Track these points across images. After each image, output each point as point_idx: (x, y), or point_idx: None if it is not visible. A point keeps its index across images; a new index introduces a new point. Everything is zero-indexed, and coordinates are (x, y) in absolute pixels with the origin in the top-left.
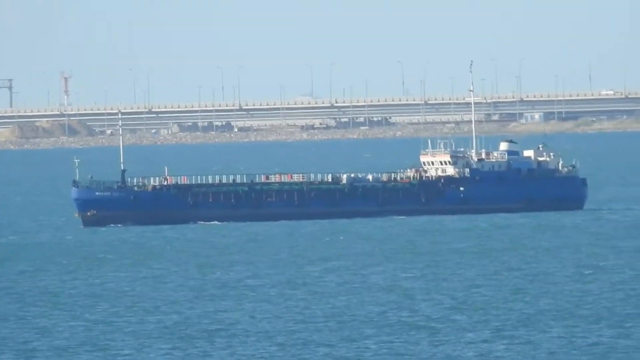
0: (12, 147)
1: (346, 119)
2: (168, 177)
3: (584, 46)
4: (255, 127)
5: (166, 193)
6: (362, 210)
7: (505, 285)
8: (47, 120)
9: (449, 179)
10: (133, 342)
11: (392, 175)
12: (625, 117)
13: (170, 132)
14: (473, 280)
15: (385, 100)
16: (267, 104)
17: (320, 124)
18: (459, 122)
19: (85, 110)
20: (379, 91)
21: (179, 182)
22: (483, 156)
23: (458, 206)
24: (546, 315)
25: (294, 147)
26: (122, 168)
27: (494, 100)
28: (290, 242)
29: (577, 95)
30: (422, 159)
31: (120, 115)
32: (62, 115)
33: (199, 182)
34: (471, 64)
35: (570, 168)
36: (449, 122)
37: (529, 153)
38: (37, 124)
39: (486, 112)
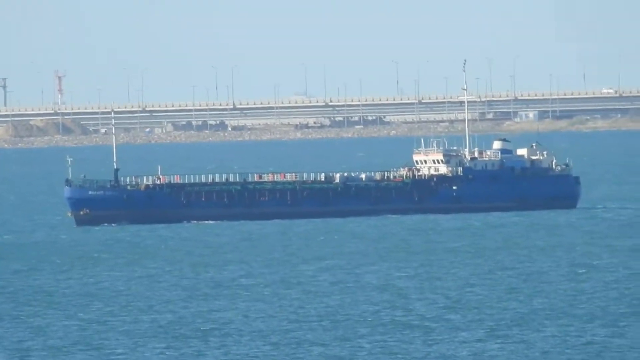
0: (6, 145)
1: (340, 118)
2: (161, 176)
3: (578, 45)
4: (249, 126)
5: (159, 192)
6: (355, 209)
7: (499, 285)
8: (41, 119)
9: (441, 177)
10: (127, 342)
11: (385, 174)
12: (619, 115)
13: (164, 131)
14: (467, 279)
15: (380, 100)
16: (261, 103)
17: (315, 123)
18: (453, 121)
19: (79, 109)
20: (373, 90)
21: (172, 181)
22: (476, 155)
23: (451, 205)
24: (540, 314)
25: (288, 146)
26: (115, 167)
27: (488, 99)
28: (284, 241)
29: (572, 94)
30: (415, 157)
31: (113, 114)
32: (56, 114)
33: (191, 181)
34: (464, 63)
35: (564, 166)
36: (443, 121)
37: (522, 152)
38: (31, 122)
39: (480, 110)
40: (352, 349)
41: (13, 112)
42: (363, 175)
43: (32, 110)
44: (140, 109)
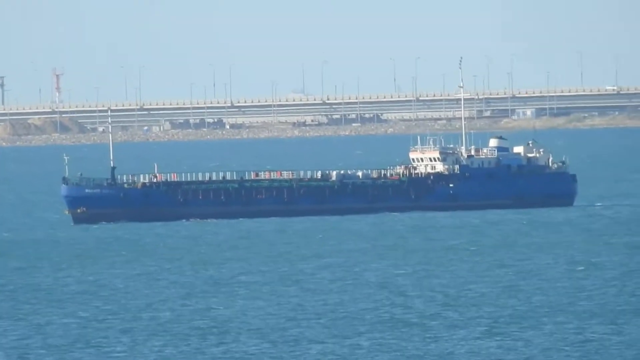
0: (4, 144)
1: (338, 116)
2: (158, 175)
3: (575, 42)
4: (247, 124)
5: (156, 190)
6: (351, 207)
7: (498, 282)
8: (39, 118)
9: (438, 175)
10: (126, 340)
11: (382, 172)
12: (617, 113)
13: (162, 129)
14: (465, 276)
15: (377, 97)
16: (259, 101)
17: (312, 120)
18: (451, 119)
19: (77, 107)
20: (370, 88)
21: (168, 179)
22: (472, 153)
23: (447, 203)
24: (539, 311)
25: (286, 144)
26: (112, 165)
27: (485, 97)
28: (282, 239)
29: (569, 92)
30: (412, 155)
31: (109, 113)
32: (53, 112)
33: (188, 179)
34: (460, 61)
35: (560, 164)
36: (440, 119)
37: (518, 149)
38: (29, 121)
39: (478, 108)
40: (351, 347)
41: (11, 111)
42: (360, 173)
43: (30, 108)
44: (138, 107)
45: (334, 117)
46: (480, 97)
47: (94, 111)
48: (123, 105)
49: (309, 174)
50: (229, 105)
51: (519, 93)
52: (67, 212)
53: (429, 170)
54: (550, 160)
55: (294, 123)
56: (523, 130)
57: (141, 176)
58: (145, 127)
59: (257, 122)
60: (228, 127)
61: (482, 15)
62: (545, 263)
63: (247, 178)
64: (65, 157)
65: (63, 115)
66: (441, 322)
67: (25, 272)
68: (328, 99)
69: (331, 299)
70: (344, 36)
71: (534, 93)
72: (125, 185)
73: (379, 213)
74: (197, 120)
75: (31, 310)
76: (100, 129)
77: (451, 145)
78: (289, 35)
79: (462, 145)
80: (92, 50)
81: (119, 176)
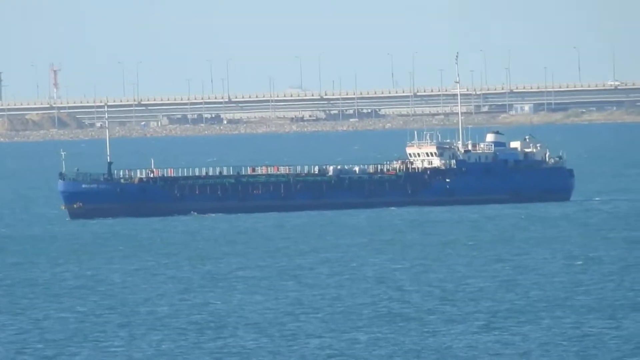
0: (1, 139)
1: (336, 111)
2: (154, 170)
3: (573, 37)
4: (244, 120)
5: (153, 185)
6: (348, 202)
7: (496, 277)
8: (36, 113)
9: (435, 170)
10: (124, 334)
11: (379, 167)
12: (615, 108)
13: (159, 124)
14: (463, 271)
15: (375, 93)
16: (257, 96)
17: (310, 116)
18: (449, 114)
19: (74, 103)
20: (368, 83)
21: (165, 175)
22: (469, 148)
23: (444, 198)
24: (536, 306)
25: (284, 140)
26: (109, 160)
27: (483, 92)
28: (280, 234)
29: (567, 87)
30: (409, 150)
31: (106, 108)
32: (51, 108)
33: (185, 174)
34: (457, 56)
35: (557, 159)
36: (438, 114)
37: (515, 144)
38: (27, 116)
39: (476, 103)
40: (349, 341)
41: (8, 107)
42: (356, 168)
43: (28, 104)
44: (136, 103)
45: (332, 112)
46: (478, 92)
47: (92, 107)
48: (121, 101)
49: (306, 169)
50: (227, 100)
51: (517, 88)
52: (63, 208)
53: (426, 165)
54: (547, 155)
55: (292, 118)
56: (520, 125)
57: (138, 171)
58: (143, 123)
59: (255, 117)
60: (226, 122)
61: (481, 11)
62: (543, 258)
63: (243, 173)
64: (62, 153)
65: (61, 111)
66: (439, 316)
67: (22, 267)
68: (326, 95)
69: (329, 294)
70: (341, 32)
71: (531, 88)
72: (122, 181)
73: (375, 208)
74: (195, 116)
75: (29, 305)
76: (98, 124)
77: (448, 141)
78: (286, 31)
79: (459, 140)
80: (90, 46)
81: (115, 171)
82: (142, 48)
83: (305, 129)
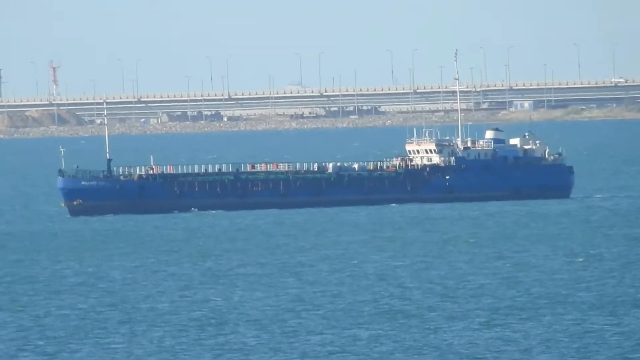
0: (1, 136)
1: (335, 108)
2: (154, 167)
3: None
4: (244, 117)
5: (152, 182)
6: (347, 199)
7: (497, 274)
8: (36, 110)
9: (434, 167)
10: (125, 331)
11: (378, 164)
12: (614, 105)
13: (159, 121)
14: (464, 268)
15: (375, 89)
16: (256, 94)
17: (310, 113)
18: (449, 111)
19: (74, 99)
20: (368, 80)
21: (164, 172)
22: (469, 144)
23: (444, 195)
24: (538, 303)
25: (284, 137)
26: (108, 157)
27: (483, 89)
28: (281, 231)
29: (567, 84)
30: (408, 147)
31: (105, 105)
32: (51, 104)
33: (184, 171)
34: (456, 53)
35: (557, 156)
36: (438, 111)
37: (515, 141)
38: (26, 113)
39: (475, 100)
40: (350, 338)
41: (8, 103)
42: (356, 165)
43: (28, 101)
44: (136, 100)
45: (332, 109)
46: (478, 89)
47: (91, 103)
48: (120, 98)
49: (305, 166)
50: (226, 97)
51: (517, 85)
52: (63, 205)
53: (425, 162)
54: (546, 152)
55: (292, 115)
56: (521, 122)
57: (137, 168)
58: (143, 120)
59: (255, 114)
60: (225, 119)
61: (480, 7)
62: (544, 255)
63: (242, 170)
64: (61, 150)
65: (60, 108)
66: (440, 313)
67: (23, 264)
68: (326, 91)
69: (330, 291)
70: (341, 29)
71: (531, 85)
72: (122, 178)
73: (375, 205)
74: (195, 113)
75: (29, 302)
76: (98, 121)
77: (447, 137)
78: (286, 28)
79: (458, 137)
80: (89, 42)
81: (115, 168)
82: (142, 45)
83: (305, 126)
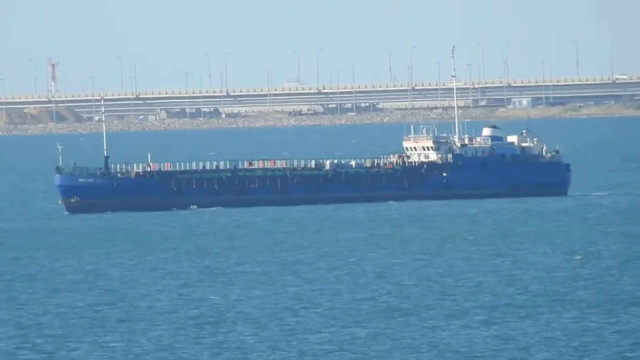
0: (0, 133)
1: (334, 105)
2: (151, 164)
3: (571, 31)
4: (242, 114)
5: (149, 180)
6: (345, 196)
7: (495, 271)
8: (34, 107)
9: (431, 164)
10: (123, 329)
11: (375, 161)
12: (612, 102)
13: (157, 118)
14: (462, 266)
15: (373, 86)
16: (255, 91)
17: (308, 110)
18: (447, 108)
19: (72, 96)
20: (366, 77)
21: (162, 169)
22: (466, 142)
23: (441, 192)
24: (536, 301)
25: (282, 133)
26: (106, 154)
27: (481, 86)
28: (279, 229)
29: (565, 81)
30: (405, 144)
31: (103, 102)
32: (49, 101)
33: (182, 168)
34: (453, 50)
35: (554, 153)
36: (436, 108)
37: (512, 139)
38: (25, 110)
39: (474, 97)
40: (348, 336)
41: (7, 100)
42: (353, 163)
43: (26, 98)
44: (134, 97)
45: (330, 106)
46: (476, 86)
47: (90, 100)
48: (119, 95)
49: (302, 163)
50: (225, 94)
51: (515, 82)
52: (60, 202)
53: (422, 159)
54: (544, 150)
55: (290, 112)
56: (519, 119)
57: (135, 165)
58: (141, 116)
59: (253, 111)
60: (224, 116)
61: (478, 5)
62: (542, 252)
63: (240, 167)
64: (59, 147)
65: (59, 105)
66: (438, 311)
67: (21, 262)
68: (324, 88)
69: (328, 289)
70: (339, 26)
71: (529, 82)
72: (119, 175)
73: (372, 202)
74: (193, 110)
75: (28, 300)
76: (97, 118)
77: (444, 135)
78: (284, 25)
79: (455, 134)
80: (88, 39)
81: (112, 165)
82: (141, 42)
83: (304, 123)
